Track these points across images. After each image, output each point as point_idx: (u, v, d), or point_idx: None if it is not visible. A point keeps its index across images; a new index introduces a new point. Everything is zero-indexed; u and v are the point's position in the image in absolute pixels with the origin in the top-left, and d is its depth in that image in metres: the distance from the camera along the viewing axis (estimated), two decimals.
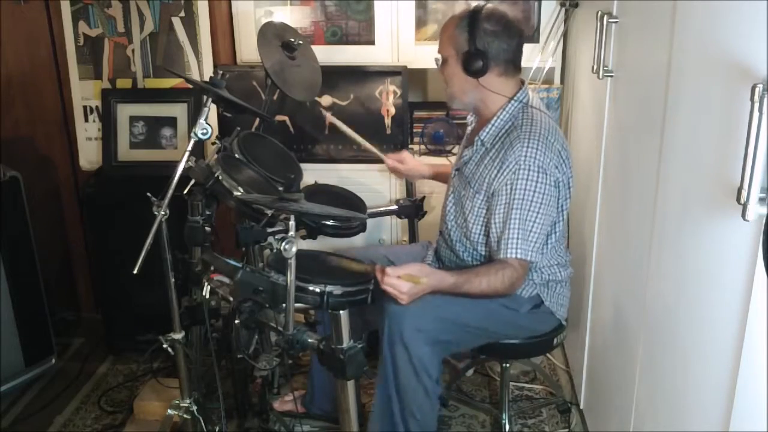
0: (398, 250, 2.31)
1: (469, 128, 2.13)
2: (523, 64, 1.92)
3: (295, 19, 2.71)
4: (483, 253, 1.95)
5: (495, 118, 1.93)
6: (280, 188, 1.94)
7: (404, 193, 2.50)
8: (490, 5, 1.90)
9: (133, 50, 2.71)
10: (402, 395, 1.84)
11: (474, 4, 1.93)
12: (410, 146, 2.67)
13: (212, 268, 1.88)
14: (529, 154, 1.82)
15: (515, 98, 1.92)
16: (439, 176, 2.35)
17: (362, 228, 2.21)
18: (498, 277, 1.81)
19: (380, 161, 2.37)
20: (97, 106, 2.76)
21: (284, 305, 1.67)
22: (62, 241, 2.99)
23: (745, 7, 1.06)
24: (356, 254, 2.16)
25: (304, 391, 2.33)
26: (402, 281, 1.73)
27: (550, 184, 1.83)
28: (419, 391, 1.83)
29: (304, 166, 2.21)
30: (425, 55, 2.30)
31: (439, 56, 1.96)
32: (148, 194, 1.79)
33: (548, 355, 2.65)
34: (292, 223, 1.65)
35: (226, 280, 1.84)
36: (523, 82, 1.98)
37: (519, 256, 1.82)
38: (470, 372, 2.60)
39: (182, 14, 2.66)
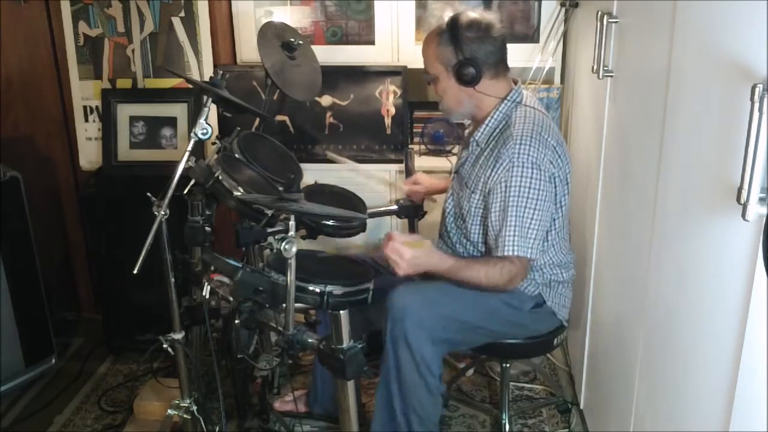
0: None
1: (467, 131, 2.14)
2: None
3: (295, 19, 2.71)
4: (483, 253, 1.95)
5: (488, 118, 1.94)
6: (280, 188, 1.94)
7: (404, 193, 2.50)
8: (464, 13, 1.90)
9: (133, 50, 2.71)
10: (404, 392, 1.84)
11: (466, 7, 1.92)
12: (410, 146, 2.67)
13: (212, 268, 1.87)
14: (522, 151, 1.82)
15: (508, 98, 1.93)
16: None
17: (362, 228, 2.21)
18: (497, 269, 1.82)
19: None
20: (97, 106, 2.76)
21: (284, 305, 1.67)
22: (62, 241, 2.99)
23: (745, 7, 1.06)
24: (358, 252, 2.16)
25: (304, 391, 2.33)
26: (405, 247, 1.76)
27: (545, 180, 1.83)
28: (422, 387, 1.83)
29: (304, 166, 2.21)
30: None
31: (427, 75, 1.97)
32: (148, 194, 1.79)
33: (548, 355, 2.64)
34: (292, 223, 1.65)
35: (226, 280, 1.84)
36: (515, 82, 1.99)
37: (517, 253, 1.82)
38: (470, 372, 2.60)
39: (182, 14, 2.66)
